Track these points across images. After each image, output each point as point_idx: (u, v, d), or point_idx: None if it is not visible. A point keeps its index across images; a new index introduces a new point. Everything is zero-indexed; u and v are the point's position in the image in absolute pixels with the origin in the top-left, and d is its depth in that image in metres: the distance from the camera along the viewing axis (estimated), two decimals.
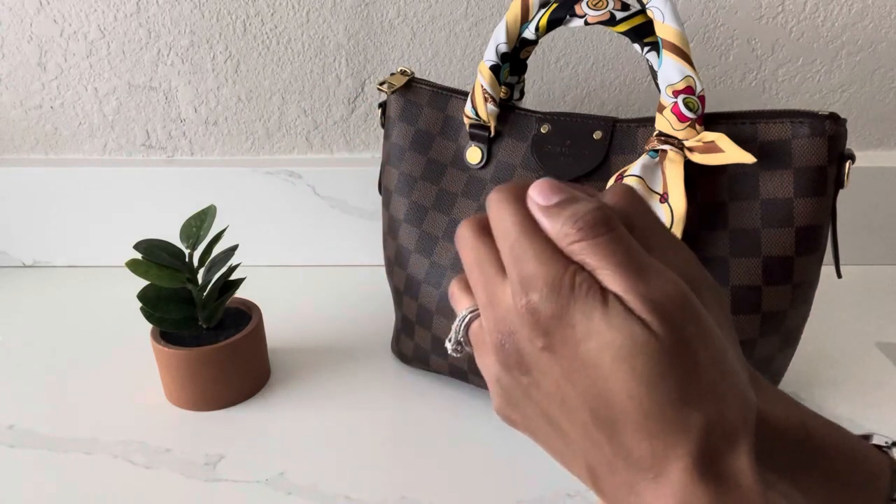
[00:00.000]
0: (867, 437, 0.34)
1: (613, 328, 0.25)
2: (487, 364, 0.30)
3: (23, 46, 0.80)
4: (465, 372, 0.61)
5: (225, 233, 0.64)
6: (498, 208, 0.29)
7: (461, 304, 0.32)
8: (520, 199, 0.28)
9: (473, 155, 0.60)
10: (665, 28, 0.50)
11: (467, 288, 0.32)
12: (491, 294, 0.29)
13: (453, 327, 0.32)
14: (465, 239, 0.30)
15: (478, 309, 0.31)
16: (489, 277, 0.29)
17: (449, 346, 0.32)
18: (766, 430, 0.30)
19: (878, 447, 0.33)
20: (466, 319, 0.31)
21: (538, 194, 0.28)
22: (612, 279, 0.26)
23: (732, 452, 0.26)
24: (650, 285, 0.26)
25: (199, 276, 0.61)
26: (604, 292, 0.26)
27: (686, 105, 0.50)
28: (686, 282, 0.27)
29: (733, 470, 0.26)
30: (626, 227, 0.28)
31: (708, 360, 0.26)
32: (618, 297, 0.26)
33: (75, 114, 0.84)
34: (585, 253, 0.26)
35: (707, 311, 0.28)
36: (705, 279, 0.29)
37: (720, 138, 0.50)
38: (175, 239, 0.61)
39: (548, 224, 0.27)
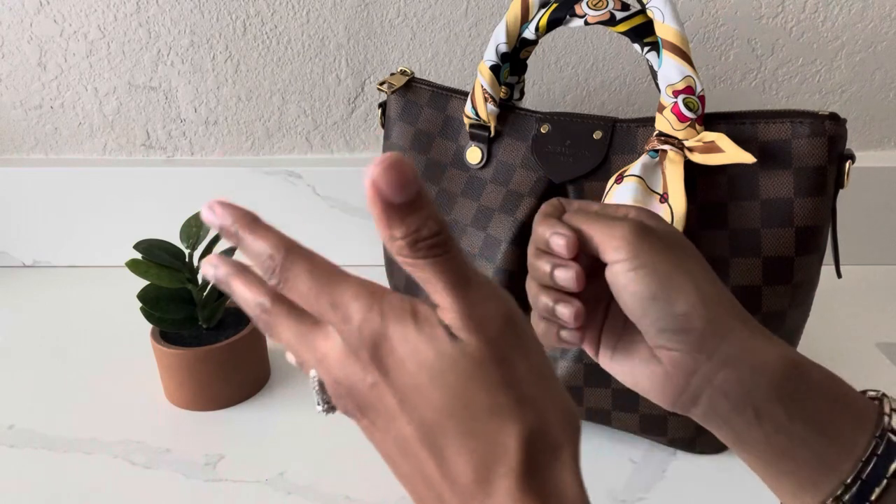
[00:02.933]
0: (864, 392, 0.36)
1: (426, 346, 0.26)
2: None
3: (23, 46, 0.80)
4: None
5: None
6: (294, 274, 0.29)
7: (307, 371, 0.32)
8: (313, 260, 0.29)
9: (473, 155, 0.60)
10: (665, 28, 0.50)
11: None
12: (315, 351, 0.29)
13: (313, 392, 0.32)
14: (276, 318, 0.30)
15: None
16: (306, 336, 0.29)
17: (319, 409, 0.32)
18: (752, 355, 0.33)
19: (864, 392, 0.35)
20: (316, 383, 0.31)
21: (387, 184, 0.26)
22: (435, 294, 0.27)
23: (556, 464, 0.26)
24: (467, 301, 0.27)
25: (200, 276, 0.61)
26: (415, 311, 0.27)
27: (686, 105, 0.50)
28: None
29: (557, 483, 0.26)
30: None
31: (526, 373, 0.27)
32: (435, 315, 0.27)
33: (75, 114, 0.84)
34: (415, 269, 0.27)
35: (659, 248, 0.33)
36: (641, 218, 0.35)
37: (720, 138, 0.50)
38: (175, 239, 0.61)
39: (382, 233, 0.27)
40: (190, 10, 0.78)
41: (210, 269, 0.32)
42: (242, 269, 0.32)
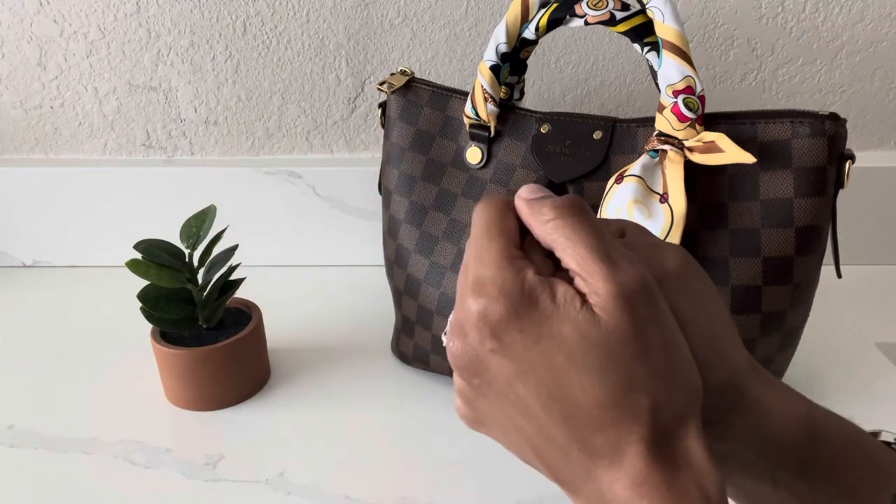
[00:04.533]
0: (875, 434, 0.34)
1: (564, 328, 0.26)
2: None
3: (23, 46, 0.80)
4: None
5: (225, 233, 0.64)
6: (475, 214, 0.29)
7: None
8: (491, 204, 0.29)
9: (473, 155, 0.60)
10: (665, 28, 0.50)
11: None
12: (460, 295, 0.29)
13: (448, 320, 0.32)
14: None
15: None
16: (462, 280, 0.29)
17: (444, 338, 0.32)
18: (769, 422, 0.30)
19: (887, 444, 0.33)
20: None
21: (525, 191, 0.29)
22: (574, 259, 0.27)
23: (682, 433, 0.26)
24: (611, 268, 0.26)
25: (199, 276, 0.61)
26: (553, 293, 0.26)
27: (686, 105, 0.50)
28: (675, 268, 0.29)
29: (684, 450, 0.26)
30: (619, 225, 0.30)
31: (658, 346, 0.26)
32: (574, 286, 0.26)
33: (75, 114, 0.84)
34: (556, 231, 0.27)
35: (697, 295, 0.29)
36: (691, 267, 0.29)
37: (720, 138, 0.50)
38: (175, 239, 0.61)
39: (526, 212, 0.28)
40: (190, 10, 0.78)
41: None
42: None
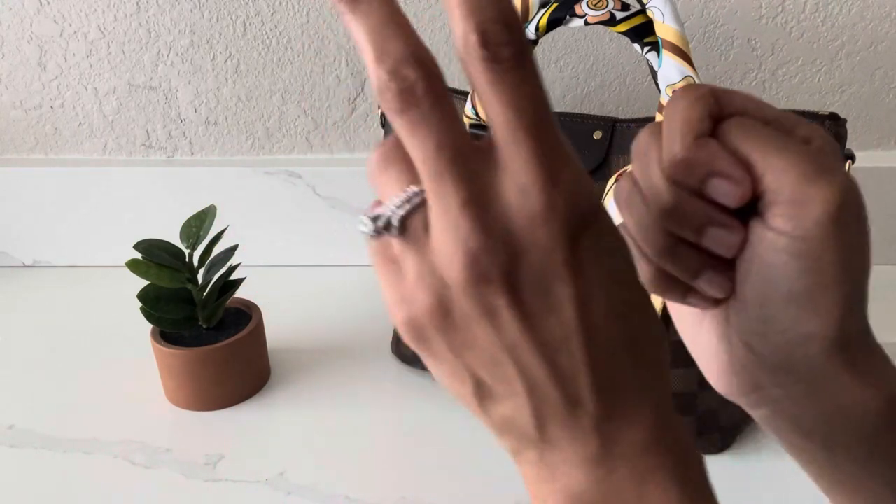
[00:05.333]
0: None
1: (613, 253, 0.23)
2: (422, 271, 0.23)
3: (23, 46, 0.80)
4: None
5: (225, 233, 0.64)
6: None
7: (389, 186, 0.23)
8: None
9: None
10: (665, 28, 0.50)
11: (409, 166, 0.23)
12: (480, 187, 0.22)
13: (386, 206, 0.23)
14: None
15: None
16: (477, 165, 0.22)
17: (366, 225, 0.24)
18: (839, 399, 0.27)
19: None
20: (415, 203, 0.23)
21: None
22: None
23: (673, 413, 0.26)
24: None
25: (199, 276, 0.61)
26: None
27: None
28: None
29: (680, 427, 0.26)
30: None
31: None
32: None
33: (75, 114, 0.84)
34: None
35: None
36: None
37: None
38: (175, 239, 0.61)
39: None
40: (190, 10, 0.78)
41: None
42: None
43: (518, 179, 0.21)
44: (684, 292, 0.28)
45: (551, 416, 0.23)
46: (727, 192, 0.25)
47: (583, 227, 0.22)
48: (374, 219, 0.23)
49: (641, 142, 0.27)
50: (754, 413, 0.30)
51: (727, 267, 0.27)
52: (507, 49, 0.20)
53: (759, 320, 0.27)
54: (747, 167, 0.25)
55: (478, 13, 0.20)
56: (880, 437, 0.27)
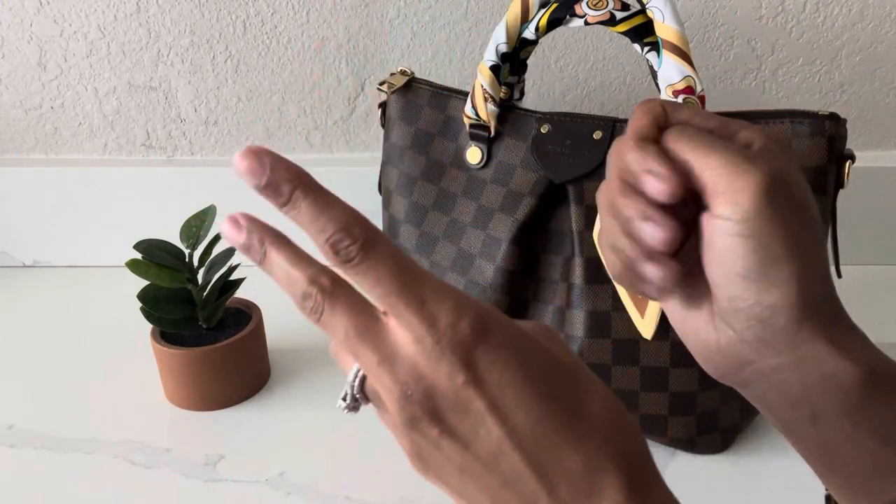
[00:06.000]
0: None
1: (517, 351, 0.26)
2: (390, 422, 0.28)
3: (23, 46, 0.80)
4: None
5: None
6: (379, 255, 0.26)
7: (347, 364, 0.30)
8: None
9: (473, 155, 0.60)
10: (665, 28, 0.50)
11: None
12: (381, 347, 0.26)
13: (347, 385, 0.29)
14: (331, 309, 0.28)
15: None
16: (369, 330, 0.27)
17: (342, 404, 0.30)
18: (818, 367, 0.29)
19: None
20: (360, 375, 0.29)
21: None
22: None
23: (653, 475, 0.27)
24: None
25: (199, 276, 0.61)
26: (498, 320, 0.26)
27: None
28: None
29: (660, 490, 0.26)
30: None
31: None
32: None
33: (75, 114, 0.84)
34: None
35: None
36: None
37: None
38: (175, 239, 0.61)
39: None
40: (190, 10, 0.78)
41: (233, 232, 0.28)
42: (282, 237, 0.28)
43: (410, 334, 0.26)
44: (637, 284, 0.32)
45: None
46: (655, 187, 0.29)
47: (472, 345, 0.25)
48: (343, 397, 0.30)
49: (612, 149, 0.32)
50: (746, 391, 0.32)
51: (671, 259, 0.30)
52: (352, 249, 0.26)
53: (728, 300, 0.30)
54: (687, 167, 0.29)
55: (323, 233, 0.26)
56: (863, 409, 0.29)
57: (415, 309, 0.25)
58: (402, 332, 0.26)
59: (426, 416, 0.26)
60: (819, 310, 0.29)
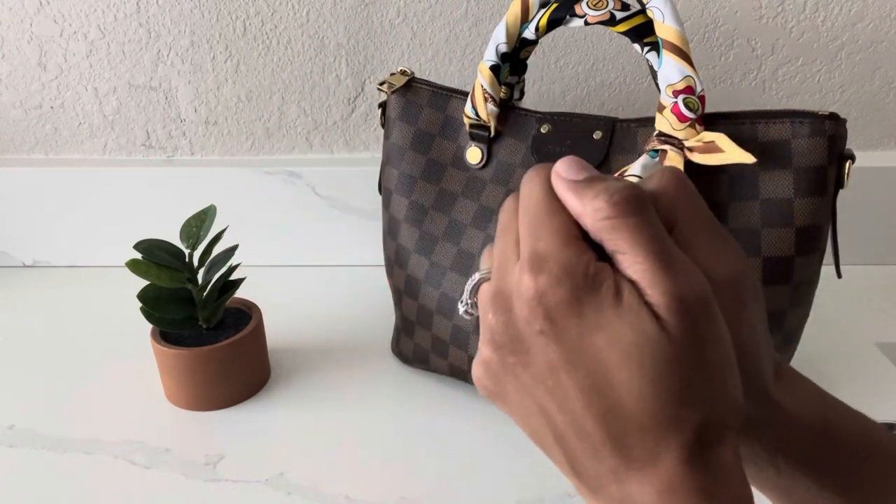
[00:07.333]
0: (891, 427, 0.34)
1: (625, 325, 0.25)
2: (482, 331, 0.29)
3: (23, 46, 0.80)
4: (465, 372, 0.61)
5: (225, 233, 0.64)
6: (528, 183, 0.27)
7: (483, 264, 0.30)
8: (546, 174, 0.27)
9: (473, 155, 0.60)
10: (665, 28, 0.50)
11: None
12: (502, 263, 0.27)
13: (465, 287, 0.30)
14: (506, 205, 0.29)
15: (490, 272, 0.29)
16: (507, 247, 0.27)
17: (461, 307, 0.30)
18: (783, 424, 0.30)
19: None
20: (476, 280, 0.29)
21: (565, 169, 0.27)
22: (634, 266, 0.25)
23: (720, 445, 0.26)
24: (673, 280, 0.24)
25: (199, 276, 0.61)
26: (618, 287, 0.25)
27: (686, 105, 0.50)
28: (727, 278, 0.27)
29: (720, 461, 0.26)
30: (670, 216, 0.27)
31: (713, 362, 0.25)
32: (635, 288, 0.25)
33: (75, 114, 0.84)
34: (614, 232, 0.25)
35: (745, 307, 0.27)
36: (746, 278, 0.28)
37: (720, 138, 0.50)
38: (175, 239, 0.61)
39: (574, 199, 0.26)
40: (190, 10, 0.78)
41: None
42: None
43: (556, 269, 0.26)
44: None
45: (581, 460, 0.27)
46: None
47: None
48: (461, 302, 0.31)
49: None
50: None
51: None
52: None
53: None
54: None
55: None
56: (819, 451, 0.30)
57: (530, 246, 0.26)
58: (520, 262, 0.26)
59: (507, 344, 0.27)
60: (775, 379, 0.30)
